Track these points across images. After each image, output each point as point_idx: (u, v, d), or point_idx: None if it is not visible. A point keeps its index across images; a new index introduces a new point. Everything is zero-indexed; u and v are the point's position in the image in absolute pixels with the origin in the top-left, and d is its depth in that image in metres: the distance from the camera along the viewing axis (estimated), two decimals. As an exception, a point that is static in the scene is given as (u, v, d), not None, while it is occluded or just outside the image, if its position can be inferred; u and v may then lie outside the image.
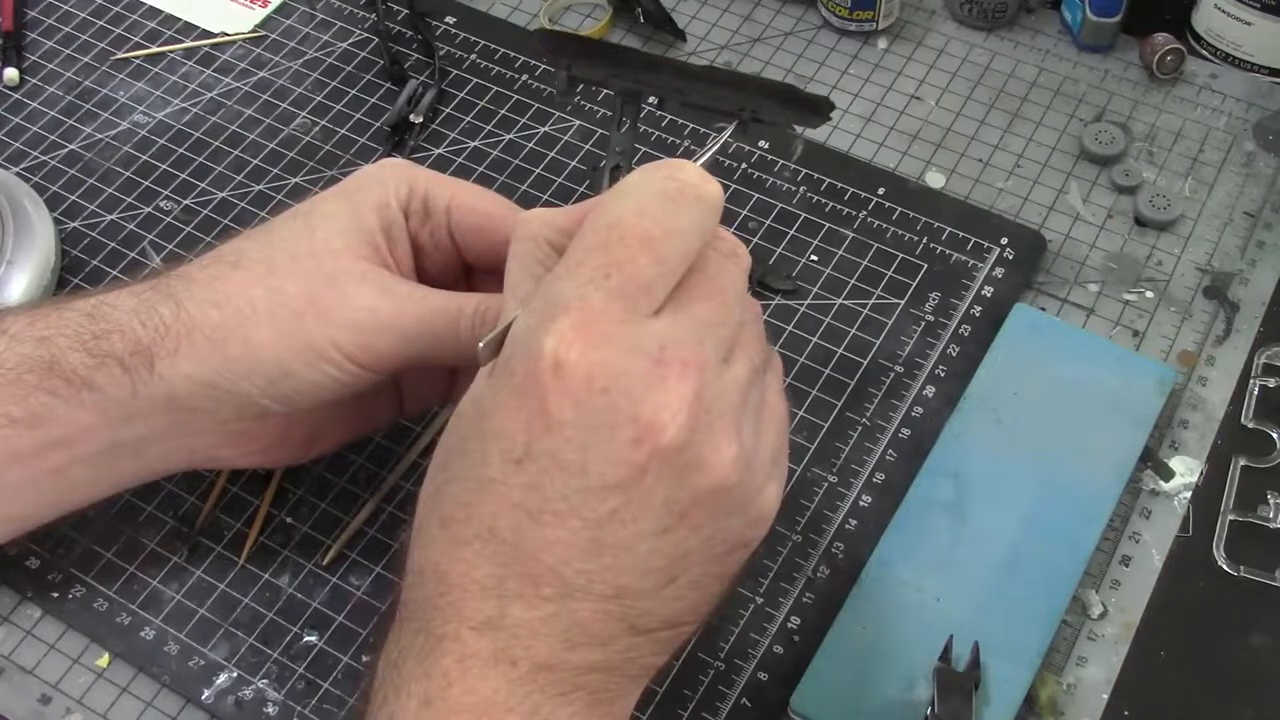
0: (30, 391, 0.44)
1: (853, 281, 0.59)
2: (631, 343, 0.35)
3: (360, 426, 0.51)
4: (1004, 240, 0.60)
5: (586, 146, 0.65)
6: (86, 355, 0.44)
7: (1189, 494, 0.53)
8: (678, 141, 0.65)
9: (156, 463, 0.48)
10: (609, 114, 0.64)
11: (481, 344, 0.38)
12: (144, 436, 0.46)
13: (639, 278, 0.36)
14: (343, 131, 0.67)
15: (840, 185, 0.62)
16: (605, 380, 0.35)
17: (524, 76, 0.68)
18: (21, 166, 0.66)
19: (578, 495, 0.36)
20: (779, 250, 0.61)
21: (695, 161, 0.40)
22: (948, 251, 0.60)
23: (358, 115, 0.67)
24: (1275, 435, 0.54)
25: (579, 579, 0.36)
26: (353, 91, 0.68)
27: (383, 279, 0.44)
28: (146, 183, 0.65)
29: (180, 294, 0.44)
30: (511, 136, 0.66)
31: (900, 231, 0.61)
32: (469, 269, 0.49)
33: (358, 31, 0.71)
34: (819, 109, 0.51)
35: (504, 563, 0.36)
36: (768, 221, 0.62)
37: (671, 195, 0.37)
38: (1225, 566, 0.51)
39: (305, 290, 0.44)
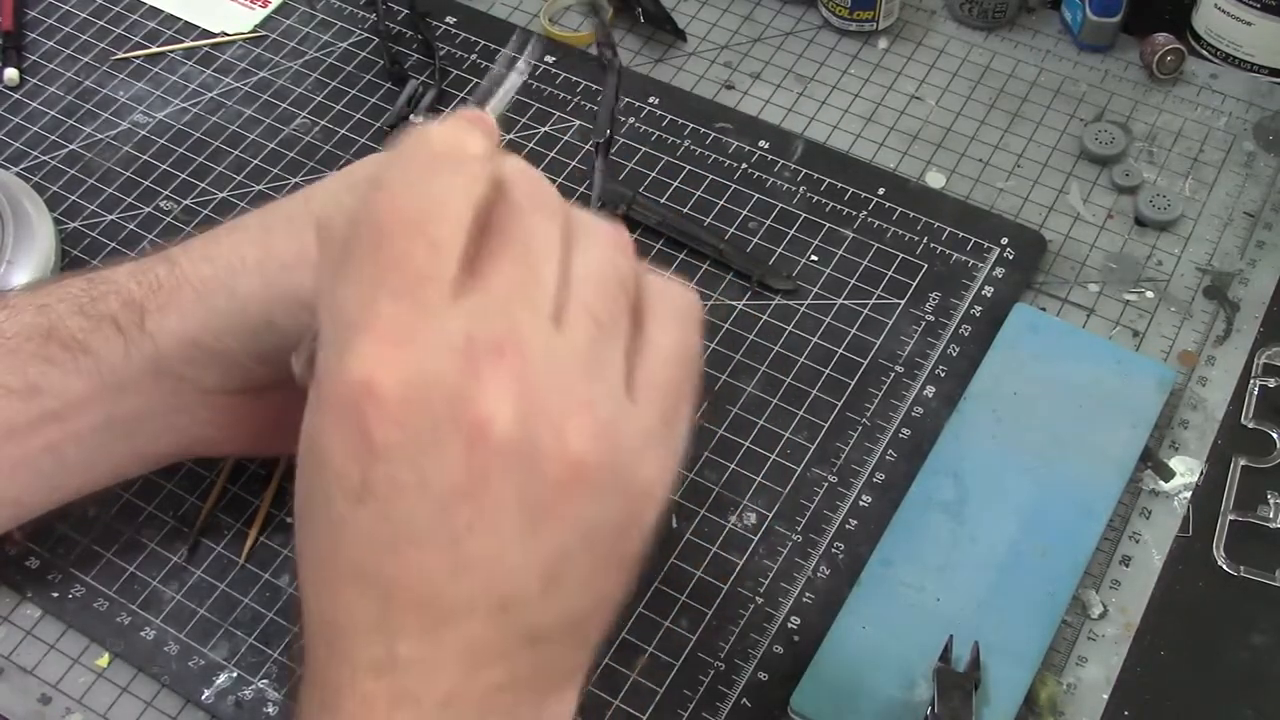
0: (28, 360, 0.44)
1: (853, 281, 0.59)
2: (433, 341, 0.32)
3: None
4: (1004, 240, 0.60)
5: (586, 146, 0.65)
6: (84, 318, 0.44)
7: (1189, 494, 0.53)
8: (677, 141, 0.65)
9: (147, 445, 0.47)
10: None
11: (295, 364, 0.36)
12: (135, 412, 0.46)
13: (417, 270, 0.32)
14: (343, 131, 0.67)
15: (840, 185, 0.62)
16: (419, 390, 0.32)
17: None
18: (21, 166, 0.66)
19: (426, 515, 0.33)
20: (779, 250, 0.61)
21: (488, 105, 0.37)
22: (948, 251, 0.60)
23: (358, 115, 0.67)
24: (1275, 435, 0.54)
25: (457, 601, 0.34)
26: (353, 91, 0.68)
27: None
28: (146, 183, 0.65)
29: (176, 254, 0.45)
30: (511, 136, 0.66)
31: (900, 231, 0.61)
32: None
33: (358, 31, 0.71)
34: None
35: (380, 598, 0.34)
36: (768, 221, 0.62)
37: (421, 168, 0.34)
38: (1225, 566, 0.51)
39: (296, 244, 0.43)
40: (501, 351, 0.32)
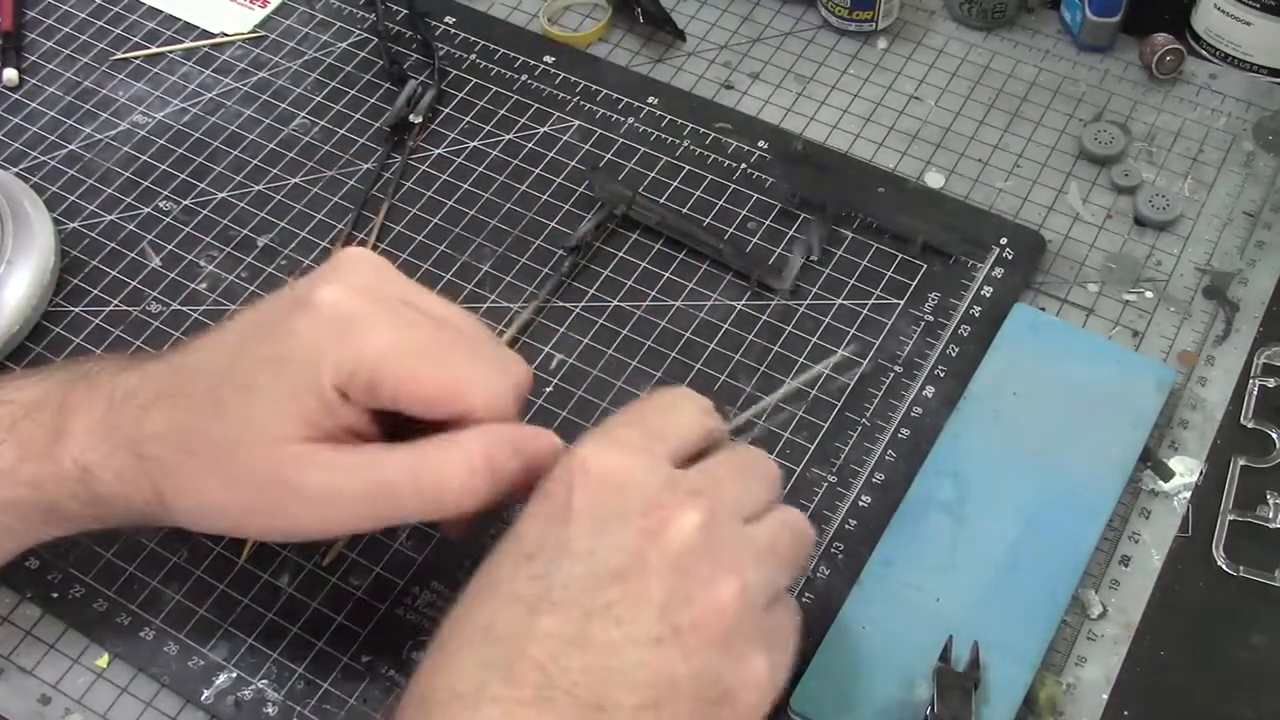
0: (36, 526, 0.46)
1: (852, 281, 0.59)
2: (650, 462, 0.39)
3: None
4: (1004, 240, 0.60)
5: (586, 147, 0.65)
6: (80, 506, 0.45)
7: (1189, 494, 0.53)
8: (677, 141, 0.65)
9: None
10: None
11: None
12: None
13: (656, 430, 0.41)
14: (342, 131, 0.67)
15: (840, 185, 0.62)
16: (623, 480, 0.38)
17: (524, 76, 0.68)
18: (21, 166, 0.66)
19: (579, 581, 0.36)
20: (779, 250, 0.61)
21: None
22: (947, 252, 0.60)
23: (357, 115, 0.67)
24: (1275, 435, 0.54)
25: (563, 676, 0.36)
26: (352, 91, 0.68)
27: (325, 460, 0.42)
28: (146, 183, 0.65)
29: (155, 477, 0.43)
30: (511, 136, 0.66)
31: (900, 231, 0.61)
32: None
33: (357, 31, 0.71)
34: (983, 242, 0.59)
35: (490, 664, 0.36)
36: (767, 221, 0.62)
37: (679, 392, 0.44)
38: (1225, 566, 0.51)
39: (254, 491, 0.42)
40: (700, 495, 0.39)
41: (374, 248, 0.62)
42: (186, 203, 0.64)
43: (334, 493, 0.42)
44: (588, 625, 0.36)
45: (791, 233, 0.61)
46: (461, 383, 0.43)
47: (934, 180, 0.63)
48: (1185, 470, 0.53)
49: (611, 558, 0.37)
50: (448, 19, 0.71)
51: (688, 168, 0.64)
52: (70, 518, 0.45)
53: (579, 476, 0.38)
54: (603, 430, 0.41)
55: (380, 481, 0.42)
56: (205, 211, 0.64)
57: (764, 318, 0.59)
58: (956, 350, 0.57)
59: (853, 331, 0.58)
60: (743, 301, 0.59)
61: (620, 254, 0.61)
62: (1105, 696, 0.48)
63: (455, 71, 0.69)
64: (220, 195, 0.64)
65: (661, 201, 0.63)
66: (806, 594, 0.51)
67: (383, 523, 0.43)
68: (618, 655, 0.36)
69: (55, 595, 0.52)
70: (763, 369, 0.57)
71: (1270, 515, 0.52)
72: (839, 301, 0.59)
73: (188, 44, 0.71)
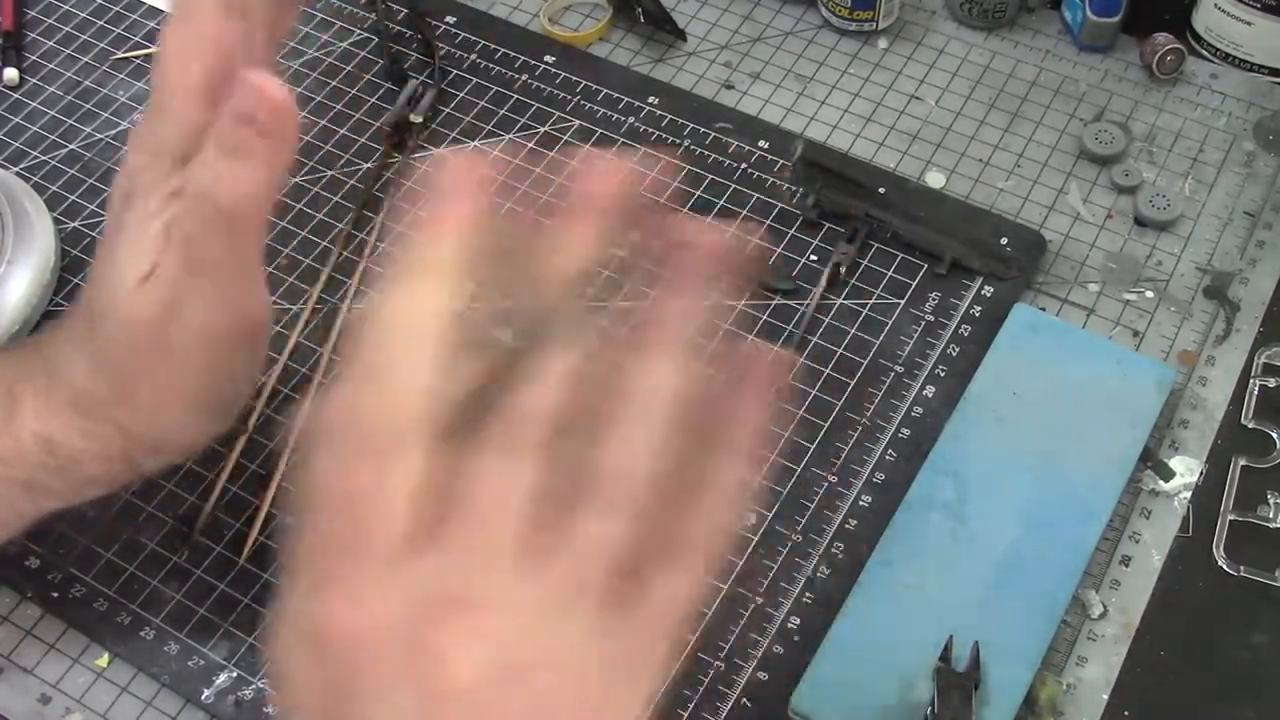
0: (13, 503, 0.47)
1: (853, 281, 0.59)
2: (386, 597, 0.31)
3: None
4: (1004, 240, 0.60)
5: (586, 146, 0.65)
6: (55, 478, 0.46)
7: (1189, 494, 0.53)
8: (677, 141, 0.65)
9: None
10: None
11: None
12: None
13: (361, 539, 0.32)
14: (343, 131, 0.67)
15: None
16: (372, 645, 0.31)
17: (524, 76, 0.68)
18: (21, 166, 0.66)
19: None
20: (779, 250, 0.61)
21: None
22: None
23: (358, 115, 0.67)
24: (1275, 435, 0.54)
25: None
26: (353, 91, 0.68)
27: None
28: (146, 183, 0.65)
29: (112, 414, 0.45)
30: (511, 136, 0.66)
31: (899, 232, 0.60)
32: None
33: (358, 31, 0.71)
34: (1009, 264, 0.59)
35: None
36: (768, 221, 0.62)
37: (342, 458, 0.32)
38: (1225, 566, 0.51)
39: (167, 359, 0.44)
40: (456, 606, 0.31)
41: (374, 248, 0.62)
42: (187, 202, 0.64)
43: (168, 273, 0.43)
44: None
45: (816, 243, 0.61)
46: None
47: (935, 180, 0.63)
48: (1185, 470, 0.53)
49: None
50: (448, 19, 0.71)
51: (688, 168, 0.64)
52: (49, 490, 0.46)
53: (330, 649, 0.32)
54: (312, 564, 0.32)
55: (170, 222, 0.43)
56: (205, 211, 0.64)
57: (764, 318, 0.59)
58: (957, 350, 0.57)
59: (853, 331, 0.58)
60: (743, 302, 0.59)
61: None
62: (1105, 696, 0.48)
63: (456, 71, 0.69)
64: (220, 195, 0.64)
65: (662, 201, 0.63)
66: (806, 594, 0.51)
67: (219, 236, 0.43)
68: None
69: (55, 595, 0.52)
70: (763, 369, 0.57)
71: (1270, 515, 0.52)
72: (839, 301, 0.59)
73: (188, 44, 0.71)
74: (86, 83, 0.69)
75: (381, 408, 0.32)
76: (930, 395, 0.56)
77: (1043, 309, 0.58)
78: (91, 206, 0.64)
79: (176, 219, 0.43)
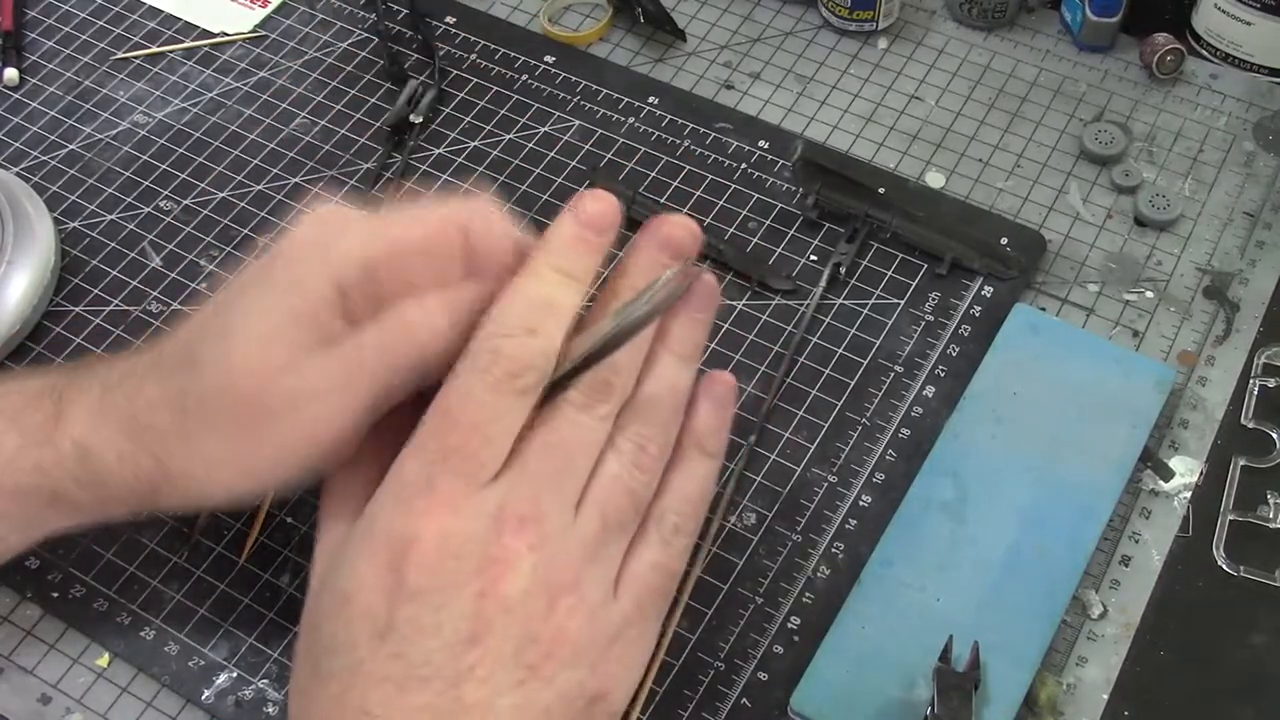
0: (41, 514, 0.46)
1: (853, 282, 0.59)
2: (474, 509, 0.39)
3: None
4: (1004, 240, 0.60)
5: (586, 146, 0.65)
6: (83, 492, 0.45)
7: (1189, 494, 0.53)
8: (677, 142, 0.65)
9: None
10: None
11: None
12: None
13: (474, 458, 0.39)
14: (343, 131, 0.67)
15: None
16: (454, 546, 0.38)
17: (524, 76, 0.68)
18: (21, 166, 0.66)
19: (438, 655, 0.38)
20: (779, 250, 0.61)
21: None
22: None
23: (358, 115, 0.67)
24: (1275, 435, 0.54)
25: None
26: (353, 91, 0.68)
27: (302, 361, 0.42)
28: (146, 183, 0.65)
29: (155, 449, 0.44)
30: (511, 136, 0.66)
31: (899, 232, 0.60)
32: None
33: (358, 31, 0.71)
34: (1010, 265, 0.59)
35: None
36: (768, 221, 0.62)
37: (490, 386, 0.40)
38: (1225, 566, 0.51)
39: (239, 420, 0.43)
40: (523, 525, 0.39)
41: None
42: (187, 202, 0.64)
43: (313, 385, 0.42)
44: (457, 692, 0.38)
45: (816, 243, 0.61)
46: (452, 214, 0.44)
47: (934, 180, 0.63)
48: (1185, 470, 0.53)
49: (460, 626, 0.38)
50: (448, 19, 0.71)
51: (688, 168, 0.64)
52: (73, 504, 0.45)
53: (412, 552, 0.38)
54: (420, 468, 0.39)
55: (351, 356, 0.42)
56: (206, 211, 0.64)
57: (764, 318, 0.59)
58: (957, 350, 0.57)
59: (853, 331, 0.58)
60: (743, 301, 0.59)
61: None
62: (1105, 696, 0.48)
63: (456, 71, 0.69)
64: (221, 195, 0.64)
65: (662, 201, 0.63)
66: (806, 594, 0.51)
67: (371, 399, 0.43)
68: (490, 710, 0.38)
69: (55, 595, 0.52)
70: (763, 369, 0.57)
71: (1270, 515, 0.52)
72: (839, 301, 0.59)
73: (188, 44, 0.71)
74: (86, 83, 0.70)
75: (527, 358, 0.40)
76: (930, 395, 0.56)
77: (1043, 309, 0.58)
78: (92, 206, 0.64)
79: (383, 347, 0.42)
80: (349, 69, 0.69)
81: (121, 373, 0.45)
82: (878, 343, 0.58)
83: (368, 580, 0.38)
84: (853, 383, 0.56)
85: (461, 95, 0.68)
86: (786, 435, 0.55)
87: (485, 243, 0.44)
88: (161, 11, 0.72)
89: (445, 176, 0.64)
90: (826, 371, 0.57)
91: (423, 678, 0.37)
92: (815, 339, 0.58)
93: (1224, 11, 0.64)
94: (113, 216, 0.64)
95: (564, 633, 0.39)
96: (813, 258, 0.60)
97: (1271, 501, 0.53)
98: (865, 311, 0.59)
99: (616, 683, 0.41)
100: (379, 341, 0.42)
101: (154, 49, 0.71)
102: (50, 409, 0.45)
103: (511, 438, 0.40)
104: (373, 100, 0.68)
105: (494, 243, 0.44)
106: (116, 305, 0.61)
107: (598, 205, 0.43)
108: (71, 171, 0.66)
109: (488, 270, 0.43)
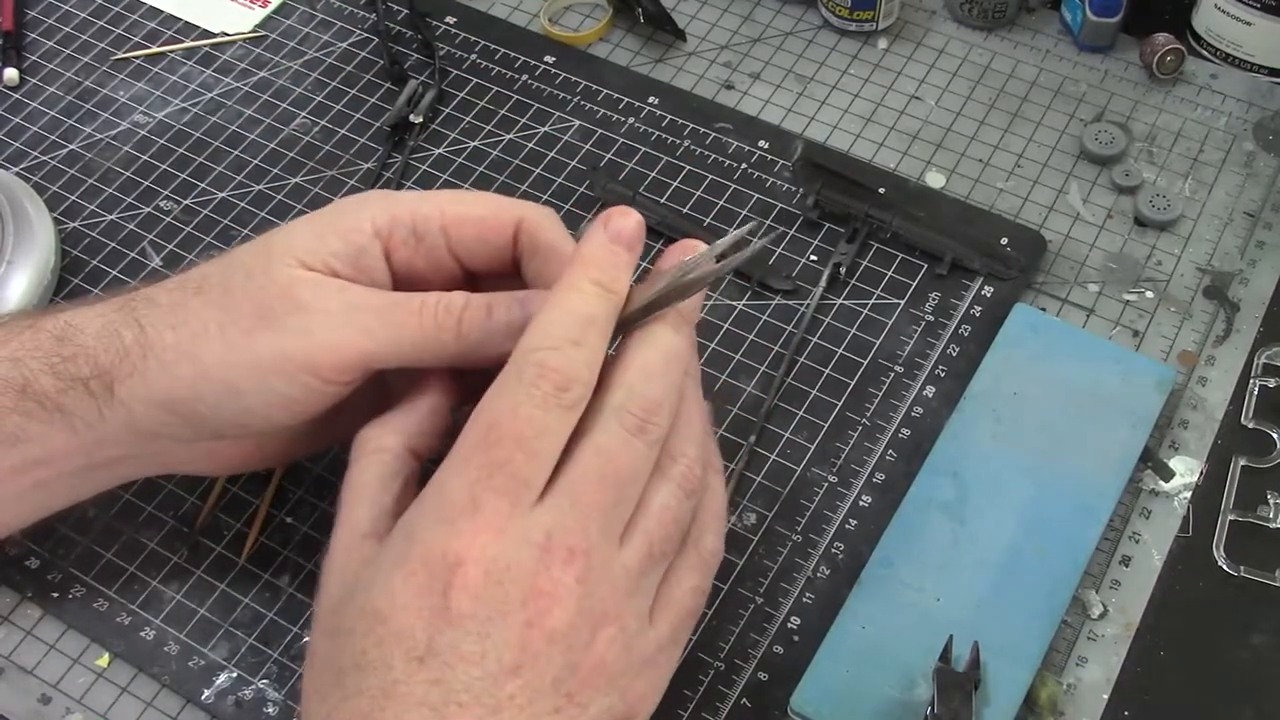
0: (6, 414, 0.44)
1: (853, 282, 0.59)
2: (520, 534, 0.38)
3: (340, 434, 0.48)
4: (1004, 240, 0.60)
5: (586, 146, 0.65)
6: (55, 378, 0.44)
7: (1189, 494, 0.53)
8: (677, 142, 0.65)
9: (134, 473, 0.48)
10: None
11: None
12: (115, 456, 0.46)
13: (518, 475, 0.38)
14: (343, 131, 0.67)
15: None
16: (499, 573, 0.37)
17: (524, 76, 0.68)
18: (21, 166, 0.66)
19: (479, 683, 0.37)
20: (779, 250, 0.61)
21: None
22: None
23: (358, 115, 0.67)
24: (1275, 435, 0.54)
25: None
26: (353, 91, 0.68)
27: (339, 285, 0.44)
28: (146, 183, 0.65)
29: (143, 317, 0.44)
30: (511, 136, 0.66)
31: (899, 232, 0.60)
32: (471, 279, 0.48)
33: (358, 31, 0.71)
34: (1010, 265, 0.59)
35: None
36: (767, 221, 0.62)
37: (538, 400, 0.39)
38: (1225, 566, 0.51)
39: (256, 306, 0.43)
40: (573, 556, 0.38)
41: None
42: (187, 202, 0.64)
43: (330, 307, 0.43)
44: (495, 719, 0.37)
45: (816, 243, 0.61)
46: (498, 203, 0.46)
47: (934, 180, 0.63)
48: (1185, 470, 0.53)
49: (504, 655, 0.37)
50: (448, 19, 0.71)
51: (688, 168, 0.64)
52: (39, 397, 0.44)
53: (452, 576, 0.37)
54: (464, 485, 0.38)
55: (394, 300, 0.44)
56: (206, 211, 0.64)
57: (764, 318, 0.59)
58: (957, 350, 0.57)
59: (853, 331, 0.58)
60: (743, 301, 0.59)
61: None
62: (1105, 696, 0.48)
63: (456, 71, 0.69)
64: (221, 195, 0.64)
65: (662, 201, 0.63)
66: (807, 594, 0.51)
67: (385, 357, 0.43)
68: None
69: (55, 595, 0.52)
70: (763, 369, 0.57)
71: (1270, 515, 0.52)
72: (839, 301, 0.59)
73: (188, 44, 0.71)
74: (86, 83, 0.70)
75: (574, 371, 0.39)
76: (930, 395, 0.56)
77: (1043, 309, 0.58)
78: (92, 206, 0.64)
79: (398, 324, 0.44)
80: (349, 69, 0.69)
81: (144, 295, 0.45)
82: (878, 343, 0.58)
83: (403, 600, 0.37)
84: (853, 383, 0.56)
85: (461, 95, 0.68)
86: (786, 435, 0.55)
87: (538, 241, 0.45)
88: (161, 11, 0.72)
89: (445, 176, 0.64)
90: (826, 371, 0.57)
91: (461, 704, 0.37)
92: (815, 339, 0.58)
93: (1224, 11, 0.64)
94: (113, 216, 0.64)
95: (603, 663, 0.39)
96: (813, 258, 0.60)
97: (1271, 501, 0.53)
98: (865, 311, 0.59)
99: (644, 703, 0.41)
100: (421, 301, 0.44)
101: (154, 49, 0.71)
102: (47, 312, 0.46)
103: (557, 453, 0.39)
104: (373, 100, 0.68)
105: (547, 244, 0.45)
106: (116, 305, 0.61)
107: (627, 221, 0.42)
108: (71, 171, 0.66)
109: (534, 272, 0.45)
